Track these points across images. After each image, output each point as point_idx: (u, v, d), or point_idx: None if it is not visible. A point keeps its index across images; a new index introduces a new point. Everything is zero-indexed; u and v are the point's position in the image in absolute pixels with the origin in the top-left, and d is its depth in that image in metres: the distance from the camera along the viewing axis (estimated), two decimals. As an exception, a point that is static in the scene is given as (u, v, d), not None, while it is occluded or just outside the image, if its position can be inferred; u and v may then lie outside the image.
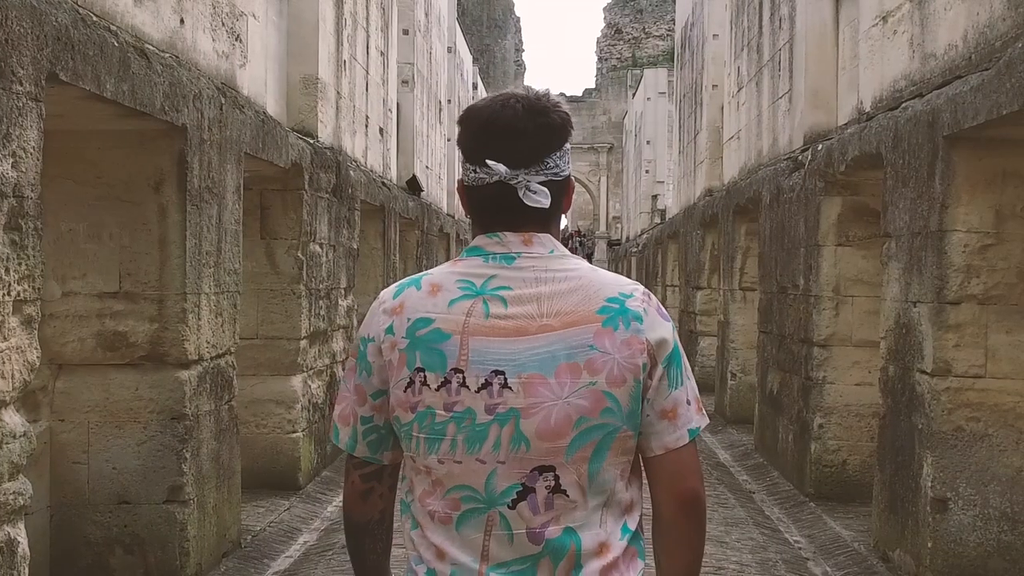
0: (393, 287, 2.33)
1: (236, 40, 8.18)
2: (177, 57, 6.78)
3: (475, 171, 2.26)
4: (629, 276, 30.65)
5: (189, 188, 6.59)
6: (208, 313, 6.96)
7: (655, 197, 35.03)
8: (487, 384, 2.15)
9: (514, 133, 2.22)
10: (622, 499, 2.23)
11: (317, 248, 10.08)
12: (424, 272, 2.33)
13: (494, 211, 2.27)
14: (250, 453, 9.27)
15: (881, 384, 7.54)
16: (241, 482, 8.64)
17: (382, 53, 15.32)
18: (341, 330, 11.30)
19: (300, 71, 10.85)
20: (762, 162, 13.11)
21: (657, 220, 31.85)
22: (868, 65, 8.99)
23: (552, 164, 2.25)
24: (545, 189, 2.23)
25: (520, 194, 2.23)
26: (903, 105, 7.47)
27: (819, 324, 9.46)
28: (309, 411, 9.87)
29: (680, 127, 24.94)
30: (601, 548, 2.19)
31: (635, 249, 35.99)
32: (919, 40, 7.58)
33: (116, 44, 5.50)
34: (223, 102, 7.24)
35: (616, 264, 46.92)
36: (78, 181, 6.51)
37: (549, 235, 2.29)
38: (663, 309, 2.29)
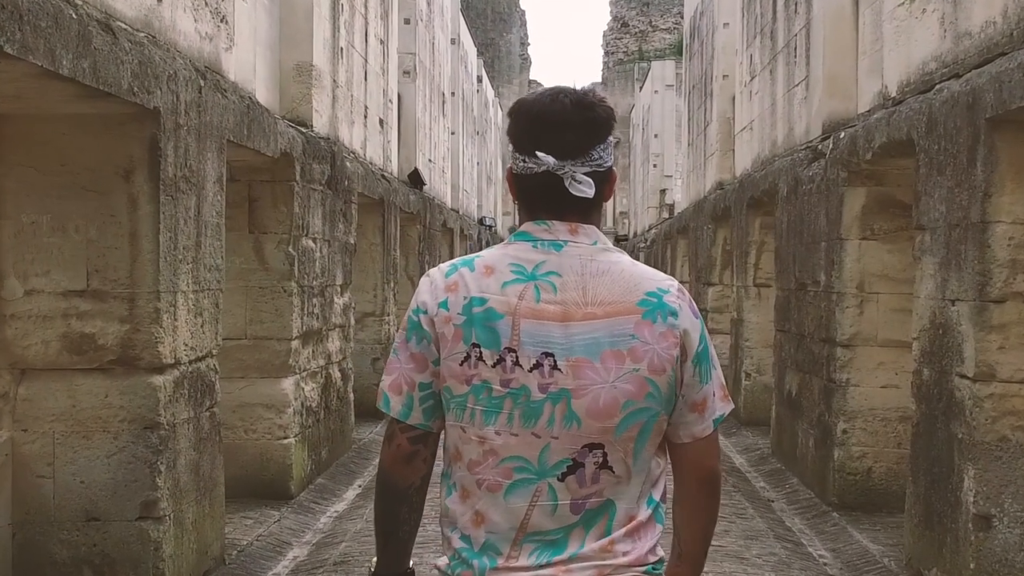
0: (445, 266, 2.46)
1: (221, 21, 7.63)
2: (154, 37, 6.24)
3: (524, 161, 2.41)
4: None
5: (163, 177, 6.05)
6: (186, 313, 6.42)
7: (663, 191, 34.46)
8: (539, 364, 2.31)
9: (563, 126, 2.37)
10: (654, 475, 2.41)
11: (310, 243, 9.54)
12: (474, 254, 2.46)
13: (541, 199, 2.42)
14: (238, 460, 8.74)
15: (914, 388, 6.99)
16: (229, 492, 8.11)
17: (382, 42, 14.78)
18: (337, 329, 10.76)
19: (293, 58, 10.33)
20: (777, 153, 12.56)
21: (665, 215, 31.29)
22: (893, 47, 8.45)
23: (597, 156, 2.40)
24: (590, 180, 2.38)
25: (566, 184, 2.37)
26: (937, 87, 6.92)
27: (842, 323, 8.90)
28: (302, 415, 9.33)
29: (689, 119, 24.40)
30: (628, 517, 2.37)
31: (643, 244, 35.44)
32: (951, 18, 7.04)
33: (75, 16, 4.96)
34: (202, 84, 6.69)
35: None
36: (40, 169, 5.96)
37: (593, 226, 2.44)
38: (694, 305, 2.45)
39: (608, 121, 2.42)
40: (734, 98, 17.09)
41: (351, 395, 11.47)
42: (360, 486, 9.95)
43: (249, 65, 8.88)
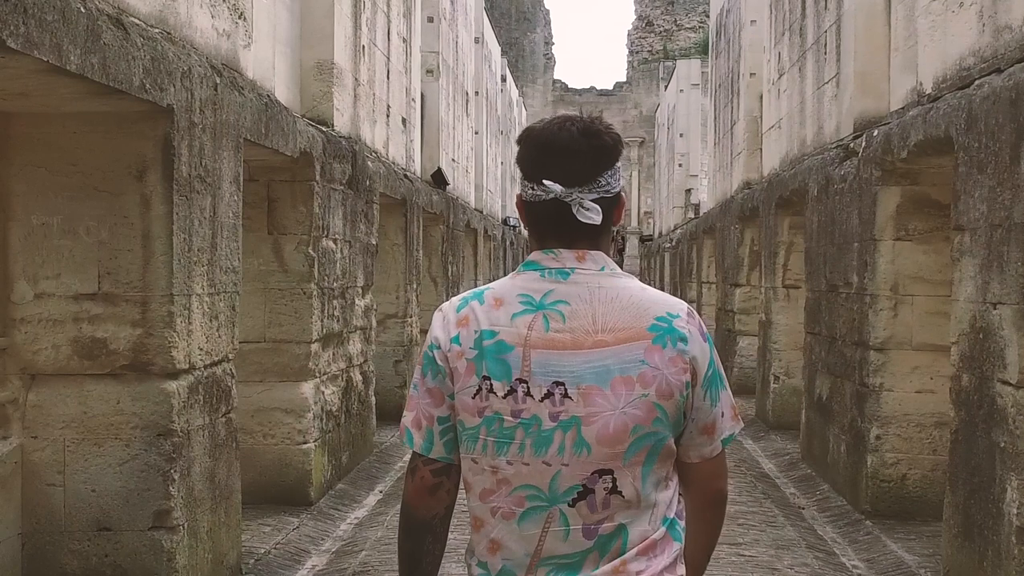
0: (456, 300, 2.51)
1: (239, 18, 7.46)
2: (169, 33, 6.08)
3: (532, 188, 2.46)
4: (662, 272, 29.94)
5: (176, 177, 5.87)
6: (200, 316, 6.24)
7: (688, 191, 34.16)
8: (549, 394, 2.36)
9: (569, 154, 2.41)
10: (665, 497, 2.44)
11: (330, 244, 9.36)
12: (485, 287, 2.51)
13: (550, 225, 2.46)
14: (256, 466, 8.57)
15: (953, 394, 6.75)
16: (246, 498, 7.97)
17: (404, 40, 14.59)
18: (358, 332, 10.58)
19: (314, 56, 10.16)
20: (806, 152, 12.31)
21: (691, 215, 31.01)
22: (928, 43, 8.20)
23: (604, 182, 2.44)
24: (597, 206, 2.43)
25: (574, 210, 2.42)
26: (976, 83, 6.68)
27: (875, 326, 8.66)
28: (322, 420, 9.15)
29: (715, 118, 24.13)
30: (642, 539, 2.39)
31: (668, 245, 35.17)
32: (990, 12, 6.79)
33: (83, 10, 4.79)
34: (218, 81, 6.52)
35: (648, 260, 46.08)
36: (51, 170, 5.79)
37: (601, 252, 2.48)
38: (703, 328, 2.49)
39: (615, 148, 2.47)
40: (761, 96, 16.83)
41: (372, 398, 11.29)
42: (381, 491, 9.77)
43: (268, 63, 8.72)
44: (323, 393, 9.20)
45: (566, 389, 2.35)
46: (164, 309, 5.82)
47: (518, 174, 2.54)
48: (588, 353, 2.37)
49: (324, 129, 9.52)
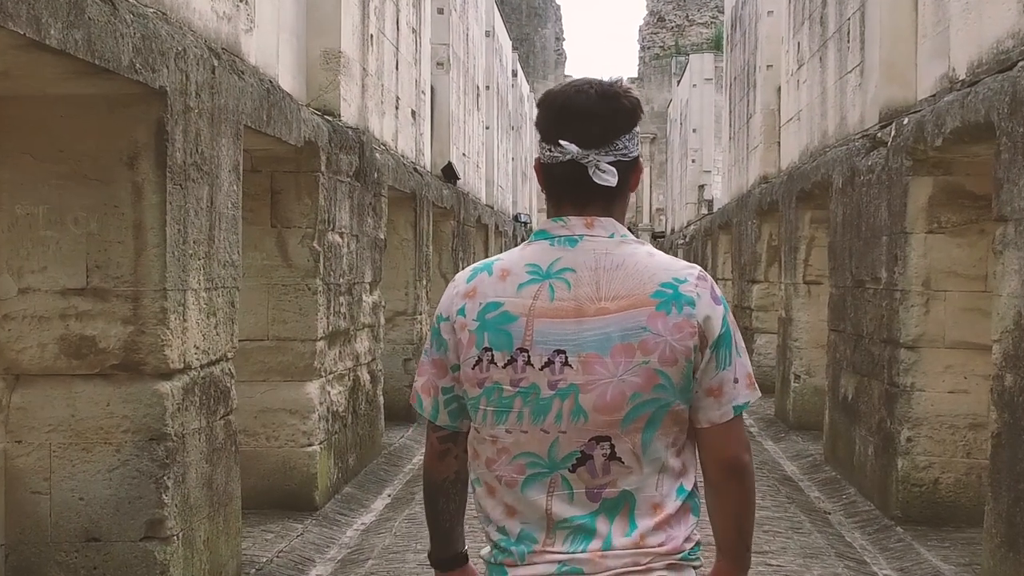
0: (468, 271, 2.54)
1: (240, 1, 7.10)
2: (164, 14, 5.72)
3: (550, 150, 2.45)
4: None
5: (171, 164, 5.51)
6: (197, 313, 5.88)
7: (702, 187, 33.75)
8: (550, 362, 2.36)
9: (587, 116, 2.41)
10: (675, 464, 2.42)
11: (337, 238, 9.00)
12: (496, 257, 2.53)
13: (565, 187, 2.47)
14: (259, 470, 8.22)
15: (995, 395, 6.36)
16: (249, 503, 7.65)
17: (414, 30, 14.23)
18: (366, 329, 10.21)
19: (320, 44, 9.80)
20: (828, 143, 11.92)
21: (704, 211, 30.61)
22: (961, 27, 7.83)
23: (621, 145, 2.43)
24: (613, 169, 2.42)
25: (590, 172, 2.42)
26: (1020, 65, 6.29)
27: (906, 323, 8.27)
28: (328, 421, 8.78)
29: (730, 112, 23.73)
30: (655, 508, 2.39)
31: (682, 241, 34.78)
32: (1031, -9, 6.42)
33: (65, -19, 4.43)
34: (215, 64, 6.15)
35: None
36: (37, 156, 5.43)
37: (611, 219, 2.46)
38: (717, 291, 2.44)
39: (633, 111, 2.46)
40: (779, 89, 16.46)
41: (381, 398, 10.92)
42: (390, 495, 9.40)
43: (271, 49, 8.36)
44: (329, 393, 8.84)
45: (566, 357, 2.37)
46: (157, 305, 5.46)
47: (537, 137, 2.52)
48: (590, 321, 2.37)
49: (330, 119, 9.16)
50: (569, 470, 2.38)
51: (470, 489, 2.57)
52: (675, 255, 33.91)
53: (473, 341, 2.44)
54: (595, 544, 2.38)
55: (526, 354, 2.39)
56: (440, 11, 18.11)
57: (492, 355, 2.42)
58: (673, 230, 43.16)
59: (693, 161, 36.19)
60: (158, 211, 5.46)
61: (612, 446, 2.37)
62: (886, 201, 8.74)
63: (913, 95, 9.21)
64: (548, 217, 2.53)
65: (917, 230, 8.20)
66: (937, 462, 8.24)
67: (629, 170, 2.48)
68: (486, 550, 2.52)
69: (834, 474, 10.27)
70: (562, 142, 2.42)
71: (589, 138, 2.41)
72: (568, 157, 2.42)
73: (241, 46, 7.14)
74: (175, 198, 5.57)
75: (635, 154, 2.48)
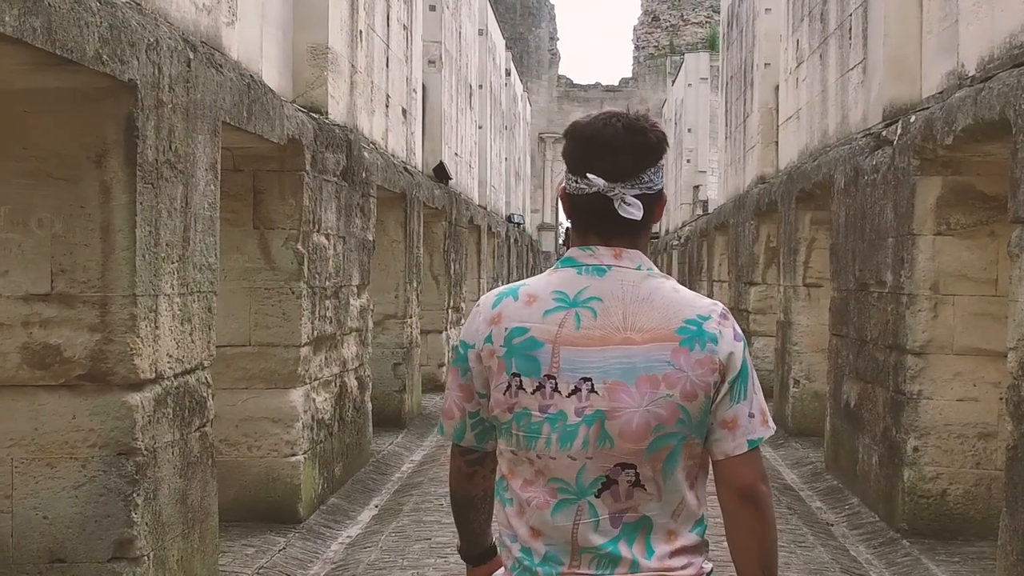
0: (492, 295, 2.60)
1: (221, -8, 6.78)
2: (137, 3, 5.41)
3: (576, 181, 2.51)
4: (669, 270, 29.34)
5: (141, 162, 5.19)
6: (170, 319, 5.56)
7: (697, 188, 33.47)
8: (577, 390, 2.43)
9: (614, 149, 2.46)
10: (691, 499, 2.48)
11: (322, 239, 8.68)
12: (522, 283, 2.59)
13: (591, 218, 2.51)
14: (241, 480, 7.90)
15: (1011, 406, 6.05)
16: (230, 516, 7.38)
17: (405, 27, 13.91)
18: (354, 334, 9.89)
19: (307, 39, 9.50)
20: (828, 143, 11.62)
21: (699, 212, 30.31)
22: (972, 21, 7.55)
23: (647, 179, 2.49)
24: (638, 202, 2.48)
25: (616, 205, 2.47)
26: (1037, 59, 6.00)
27: (913, 328, 7.96)
28: (312, 429, 8.45)
29: (727, 112, 23.44)
30: (670, 535, 2.46)
31: (676, 242, 34.46)
32: (1046, -17, 6.13)
33: (21, -36, 4.11)
34: (191, 57, 5.83)
35: (655, 258, 45.37)
36: (-2, 153, 5.12)
37: (638, 251, 2.53)
38: (737, 329, 2.51)
39: (659, 145, 2.50)
40: (777, 87, 16.17)
41: (369, 405, 10.58)
42: (377, 506, 9.08)
43: (255, 43, 8.04)
44: (314, 400, 8.52)
45: (593, 384, 2.41)
46: (126, 311, 5.14)
47: (563, 168, 2.57)
48: (616, 349, 2.42)
49: (316, 116, 8.84)
50: (595, 495, 2.43)
51: (498, 506, 2.60)
52: (669, 256, 33.52)
53: (503, 367, 2.49)
54: (622, 568, 2.44)
55: (553, 381, 2.44)
56: (432, 8, 17.79)
57: (521, 380, 2.47)
58: (667, 231, 42.84)
59: (688, 161, 35.92)
60: (127, 212, 5.15)
61: (636, 473, 2.43)
62: (892, 202, 8.43)
63: (918, 93, 8.92)
64: (569, 245, 2.60)
65: (925, 232, 7.90)
66: (945, 473, 7.94)
67: (654, 203, 2.52)
68: (500, 572, 2.62)
69: (836, 483, 9.96)
70: (589, 175, 2.46)
71: (616, 171, 2.46)
72: (594, 190, 2.46)
73: (222, 39, 6.83)
74: (146, 198, 5.25)
75: (659, 187, 2.52)
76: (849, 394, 9.77)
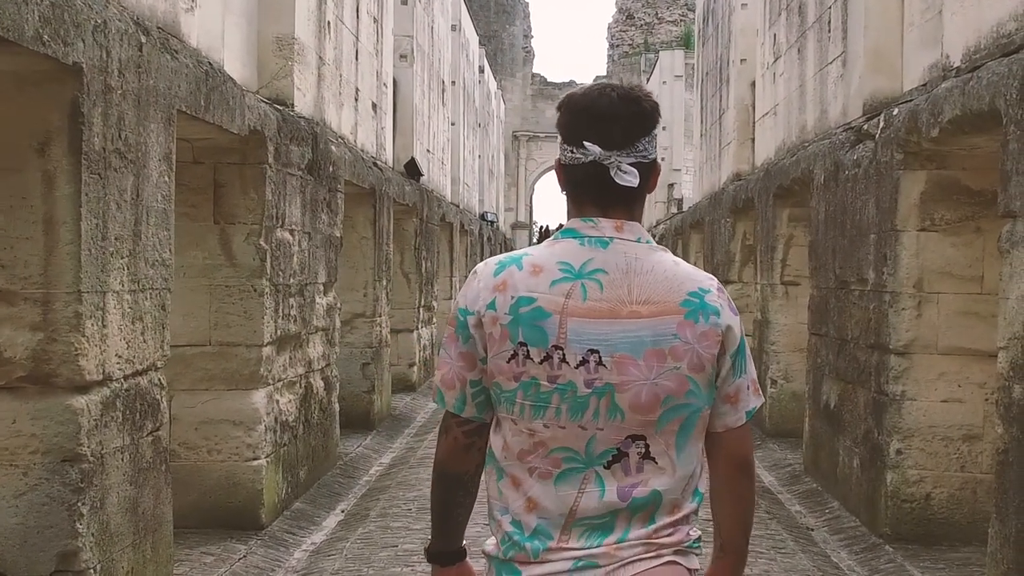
0: (492, 263, 2.58)
1: (178, -24, 6.47)
2: (87, -14, 5.09)
3: (572, 151, 2.54)
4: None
5: (87, 150, 4.88)
6: (119, 317, 5.25)
7: (671, 186, 33.27)
8: (584, 361, 2.44)
9: (609, 118, 2.50)
10: (698, 469, 2.55)
11: (286, 235, 8.37)
12: (522, 252, 2.58)
13: (588, 188, 2.55)
14: (201, 486, 7.59)
15: (1001, 408, 5.81)
16: (189, 522, 7.13)
17: (375, 20, 13.61)
18: (320, 333, 9.58)
19: (273, 30, 9.22)
20: (807, 138, 11.39)
21: (674, 210, 30.10)
22: (957, 11, 7.31)
23: (642, 147, 2.52)
24: (635, 170, 2.51)
25: (612, 173, 2.50)
26: (1027, 47, 5.76)
27: (896, 327, 7.73)
28: (276, 432, 8.14)
29: (702, 109, 23.23)
30: (674, 507, 2.51)
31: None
32: (1035, -30, 5.90)
33: (-50, -66, 3.81)
34: (143, 41, 5.53)
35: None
36: (-68, 140, 4.81)
37: (638, 223, 2.56)
38: (733, 303, 2.57)
39: (653, 114, 2.53)
40: (754, 83, 15.96)
41: (336, 406, 10.27)
42: (343, 511, 8.77)
43: (216, 31, 7.72)
44: (277, 402, 8.21)
45: (600, 357, 2.44)
46: (70, 309, 4.84)
47: (558, 139, 2.59)
48: (623, 323, 2.44)
49: (281, 108, 8.54)
50: (604, 466, 2.46)
51: (491, 478, 2.59)
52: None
53: (507, 335, 2.49)
54: (611, 538, 2.46)
55: (561, 351, 2.45)
56: (404, 1, 17.50)
57: (528, 350, 2.46)
58: (642, 229, 42.63)
59: (662, 159, 35.63)
60: (72, 203, 4.84)
61: (647, 445, 2.47)
62: (874, 197, 8.20)
63: (900, 86, 8.71)
64: (568, 217, 2.60)
65: (908, 228, 7.67)
66: (929, 476, 7.71)
67: (648, 172, 2.55)
68: (491, 543, 2.57)
69: (816, 486, 9.72)
70: (585, 143, 2.49)
71: (611, 140, 2.49)
72: (591, 158, 2.50)
73: (181, 25, 6.53)
74: (93, 189, 4.94)
75: (653, 156, 2.55)
76: (829, 395, 9.53)
